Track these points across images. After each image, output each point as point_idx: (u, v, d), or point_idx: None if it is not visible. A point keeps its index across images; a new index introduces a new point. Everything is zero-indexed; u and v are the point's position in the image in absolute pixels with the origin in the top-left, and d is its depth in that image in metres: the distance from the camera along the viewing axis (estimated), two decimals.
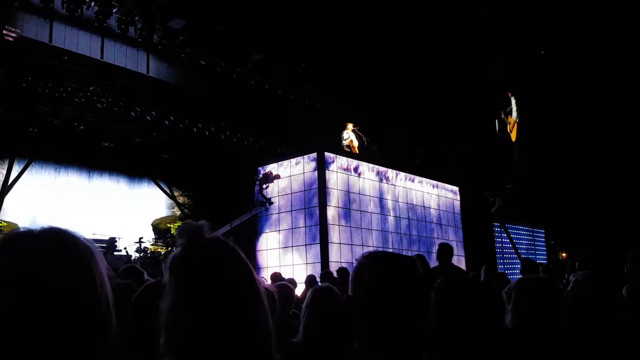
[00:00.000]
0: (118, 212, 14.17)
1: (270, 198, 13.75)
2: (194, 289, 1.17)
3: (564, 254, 21.60)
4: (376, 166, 14.75)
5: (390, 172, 15.17)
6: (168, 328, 1.16)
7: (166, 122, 14.06)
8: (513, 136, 21.82)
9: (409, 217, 15.29)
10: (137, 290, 2.12)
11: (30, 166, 13.41)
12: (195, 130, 14.45)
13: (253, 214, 13.75)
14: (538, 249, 21.87)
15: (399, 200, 15.15)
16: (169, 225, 15.09)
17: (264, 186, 13.72)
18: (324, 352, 2.35)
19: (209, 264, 1.20)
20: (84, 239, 1.01)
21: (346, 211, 13.42)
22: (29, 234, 0.97)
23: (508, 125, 21.85)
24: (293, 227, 13.38)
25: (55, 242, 0.96)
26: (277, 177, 13.74)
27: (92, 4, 13.58)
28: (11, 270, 0.91)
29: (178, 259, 1.23)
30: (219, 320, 1.14)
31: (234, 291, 1.17)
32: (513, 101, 21.87)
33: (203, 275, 1.18)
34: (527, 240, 21.64)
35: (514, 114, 21.80)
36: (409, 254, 13.45)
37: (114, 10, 13.93)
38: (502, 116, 21.61)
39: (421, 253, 12.38)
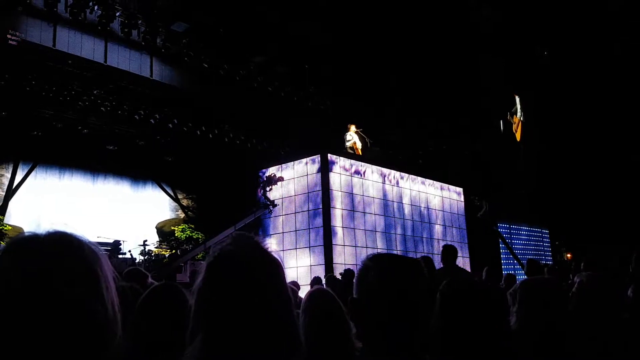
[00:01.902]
0: (122, 214, 14.19)
1: (273, 201, 13.75)
2: (224, 291, 1.18)
3: (568, 255, 21.56)
4: (379, 167, 14.73)
5: (394, 174, 15.15)
6: (193, 325, 1.18)
7: (170, 125, 14.08)
8: (518, 136, 21.81)
9: (412, 218, 15.27)
10: (142, 292, 2.13)
11: (35, 170, 13.46)
12: (198, 133, 14.48)
13: (257, 217, 13.76)
14: (538, 249, 21.79)
15: (403, 202, 15.12)
16: (173, 227, 15.11)
17: (267, 188, 13.73)
18: (326, 354, 2.35)
19: (244, 271, 1.21)
20: (89, 242, 1.01)
21: (350, 213, 13.40)
22: (35, 238, 0.97)
23: (513, 125, 21.84)
24: (297, 229, 13.37)
25: (61, 246, 0.96)
26: (281, 179, 13.75)
27: (96, 7, 13.64)
28: (17, 274, 0.91)
29: (217, 260, 1.24)
30: (243, 328, 1.15)
31: (266, 300, 1.18)
32: (517, 101, 21.85)
33: (236, 281, 1.19)
34: (527, 241, 21.58)
35: (519, 113, 21.78)
36: (414, 255, 13.44)
37: (117, 14, 13.99)
38: (508, 117, 21.59)
39: (426, 254, 12.36)
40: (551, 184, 22.20)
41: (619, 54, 19.08)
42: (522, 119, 21.84)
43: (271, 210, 13.79)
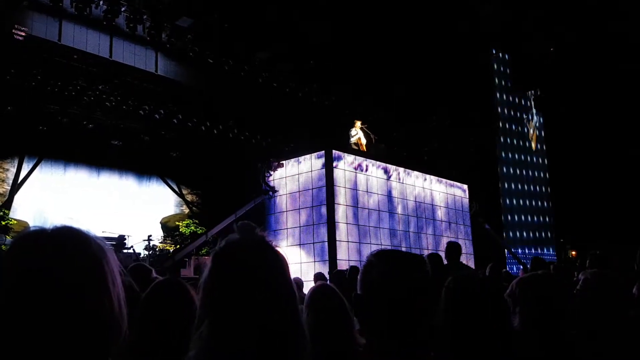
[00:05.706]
0: (127, 210, 14.23)
1: (273, 187, 13.76)
2: (230, 282, 1.19)
3: (573, 253, 21.50)
4: (384, 164, 14.72)
5: (399, 170, 15.12)
6: (199, 319, 1.19)
7: (174, 120, 14.10)
8: (533, 145, 21.71)
9: (417, 215, 15.24)
10: (138, 288, 2.14)
11: (40, 164, 13.50)
12: (203, 128, 14.49)
13: (257, 205, 13.72)
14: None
15: (407, 198, 15.10)
16: (177, 223, 15.14)
17: (267, 174, 13.75)
18: (329, 350, 2.35)
19: (249, 266, 1.21)
20: (96, 237, 1.02)
21: (354, 209, 13.39)
22: (41, 233, 0.97)
23: (529, 134, 21.72)
24: (300, 225, 13.37)
25: (68, 241, 0.97)
26: (281, 165, 13.79)
27: (101, 2, 13.65)
28: (24, 269, 0.91)
29: (223, 254, 1.24)
30: (248, 319, 1.15)
31: (269, 294, 1.19)
32: (532, 104, 21.71)
33: (240, 275, 1.20)
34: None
35: (534, 119, 21.64)
36: (418, 252, 13.43)
37: (123, 9, 13.99)
38: (525, 122, 21.51)
39: (431, 251, 12.35)
40: (556, 182, 22.14)
41: (630, 52, 18.97)
42: (537, 125, 21.71)
43: (271, 196, 13.77)
